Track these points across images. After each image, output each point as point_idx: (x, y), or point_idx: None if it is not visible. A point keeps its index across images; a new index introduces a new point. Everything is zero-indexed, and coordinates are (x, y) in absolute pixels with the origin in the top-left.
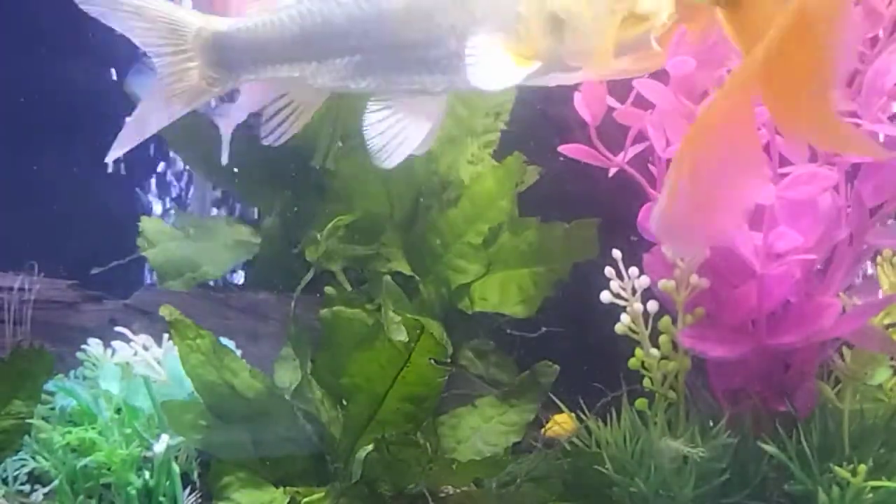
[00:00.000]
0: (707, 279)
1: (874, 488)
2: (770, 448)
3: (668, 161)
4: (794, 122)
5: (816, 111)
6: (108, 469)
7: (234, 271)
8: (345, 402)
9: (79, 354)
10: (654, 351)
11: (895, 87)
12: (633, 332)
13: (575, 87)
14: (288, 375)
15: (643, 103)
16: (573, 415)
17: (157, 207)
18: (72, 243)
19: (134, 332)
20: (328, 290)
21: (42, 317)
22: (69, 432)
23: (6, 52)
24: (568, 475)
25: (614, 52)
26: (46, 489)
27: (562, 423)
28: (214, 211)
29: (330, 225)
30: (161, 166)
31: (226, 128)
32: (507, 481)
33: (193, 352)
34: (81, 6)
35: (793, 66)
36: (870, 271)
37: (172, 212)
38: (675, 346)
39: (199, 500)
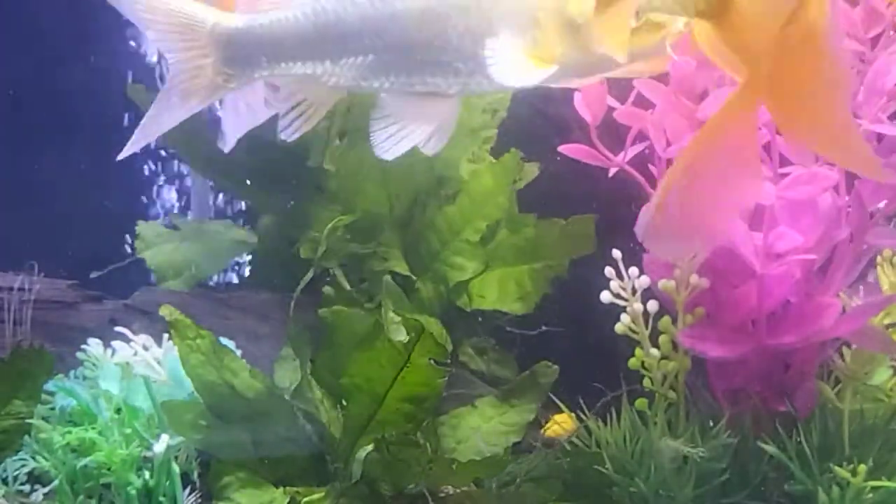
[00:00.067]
0: (707, 279)
1: (874, 488)
2: (770, 448)
3: (669, 161)
4: (801, 132)
5: (822, 120)
6: (108, 469)
7: (226, 271)
8: (345, 402)
9: (79, 354)
10: (654, 351)
11: (895, 87)
12: (633, 332)
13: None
14: (288, 375)
15: (643, 103)
16: (573, 415)
17: (158, 208)
18: (72, 243)
19: (134, 332)
20: (326, 290)
21: (42, 317)
22: (69, 432)
23: (6, 52)
24: (568, 475)
25: (630, 58)
26: (46, 489)
27: (562, 423)
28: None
29: (330, 225)
30: (161, 166)
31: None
32: (507, 481)
33: (193, 352)
34: None
35: (796, 76)
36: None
37: (170, 214)
38: (675, 346)
39: (199, 500)
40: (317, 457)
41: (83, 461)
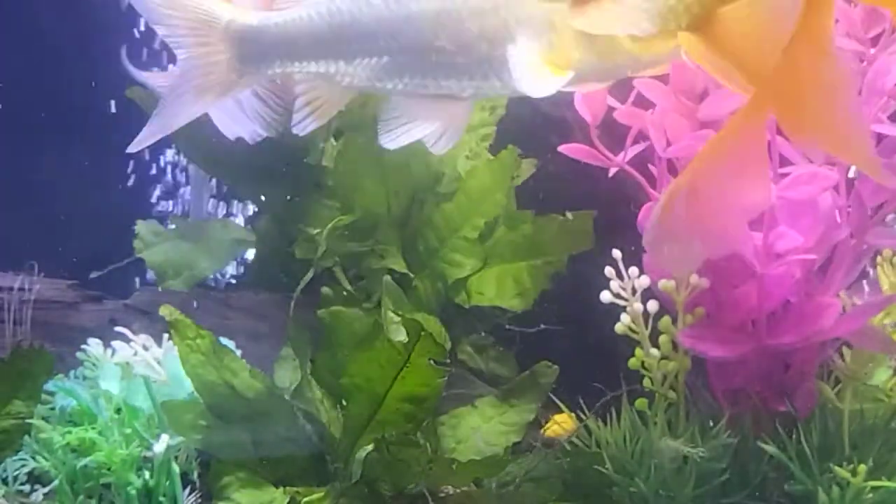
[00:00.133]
0: (707, 279)
1: (874, 488)
2: (770, 448)
3: (669, 161)
4: (809, 135)
5: (829, 122)
6: (108, 469)
7: (225, 271)
8: (345, 403)
9: (79, 354)
10: (654, 351)
11: (895, 87)
12: (633, 332)
13: None
14: (288, 375)
15: (643, 103)
16: (573, 415)
17: (158, 207)
18: (72, 243)
19: (134, 332)
20: (325, 289)
21: (42, 317)
22: (69, 432)
23: (5, 52)
24: (568, 475)
25: (646, 65)
26: (46, 489)
27: (561, 423)
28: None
29: (330, 225)
30: (162, 165)
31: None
32: (507, 481)
33: (193, 352)
34: None
35: (801, 82)
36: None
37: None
38: (675, 346)
39: (199, 500)
40: (317, 457)
41: (83, 461)
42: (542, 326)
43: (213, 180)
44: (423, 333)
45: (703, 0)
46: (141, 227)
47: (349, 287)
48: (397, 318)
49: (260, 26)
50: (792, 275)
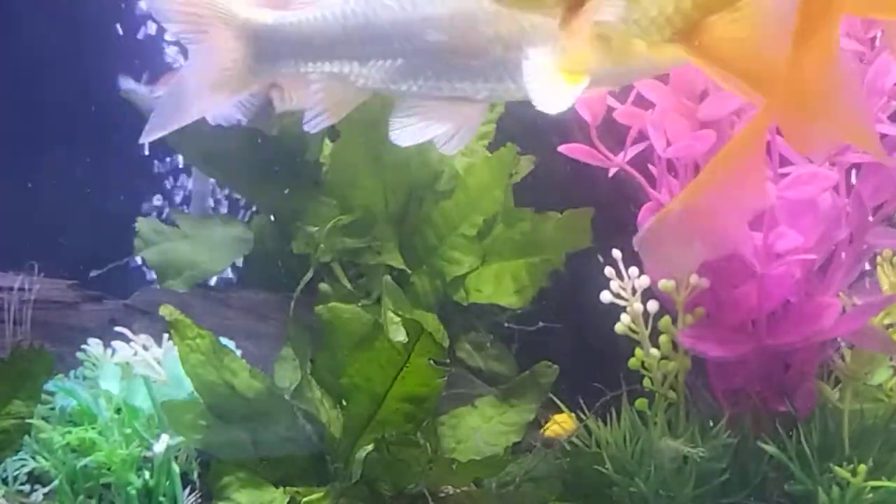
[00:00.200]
0: (707, 279)
1: (874, 488)
2: (770, 448)
3: (669, 161)
4: (814, 140)
5: (832, 108)
6: (108, 469)
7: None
8: (344, 403)
9: (79, 354)
10: (654, 351)
11: (895, 87)
12: (633, 332)
13: None
14: (288, 375)
15: (643, 103)
16: (573, 415)
17: (158, 206)
18: (72, 243)
19: (134, 332)
20: (323, 287)
21: (42, 317)
22: (69, 432)
23: (5, 53)
24: (568, 475)
25: (659, 69)
26: (46, 489)
27: (561, 423)
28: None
29: (331, 224)
30: (162, 165)
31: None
32: (507, 481)
33: (193, 352)
34: None
35: (807, 87)
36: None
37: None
38: (675, 346)
39: (199, 500)
40: (317, 457)
41: (83, 461)
42: (542, 324)
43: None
44: (423, 333)
45: (686, 11)
46: (142, 224)
47: (348, 284)
48: (397, 319)
49: (275, 25)
50: (792, 275)
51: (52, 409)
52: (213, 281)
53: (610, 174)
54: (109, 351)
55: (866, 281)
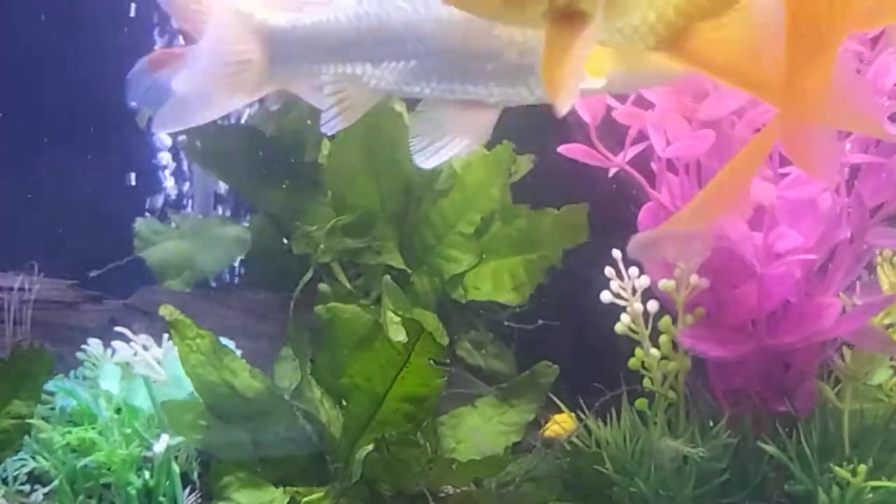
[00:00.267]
0: (707, 279)
1: (874, 488)
2: (770, 448)
3: (669, 161)
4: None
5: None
6: (108, 469)
7: (226, 270)
8: (344, 402)
9: (79, 354)
10: (654, 351)
11: (895, 87)
12: (633, 332)
13: None
14: (288, 375)
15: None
16: (573, 415)
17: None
18: (72, 243)
19: (134, 332)
20: (322, 287)
21: (42, 317)
22: (69, 432)
23: (5, 52)
24: (568, 475)
25: (673, 76)
26: (46, 489)
27: (561, 423)
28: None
29: (330, 223)
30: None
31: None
32: (507, 481)
33: (193, 352)
34: None
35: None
36: None
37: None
38: (675, 346)
39: (199, 500)
40: (317, 457)
41: (83, 461)
42: (541, 322)
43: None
44: (422, 333)
45: (669, 20)
46: (141, 224)
47: (347, 283)
48: (397, 318)
49: (289, 27)
50: (792, 275)
51: (52, 409)
52: (213, 281)
53: (610, 174)
54: (109, 351)
55: (856, 284)
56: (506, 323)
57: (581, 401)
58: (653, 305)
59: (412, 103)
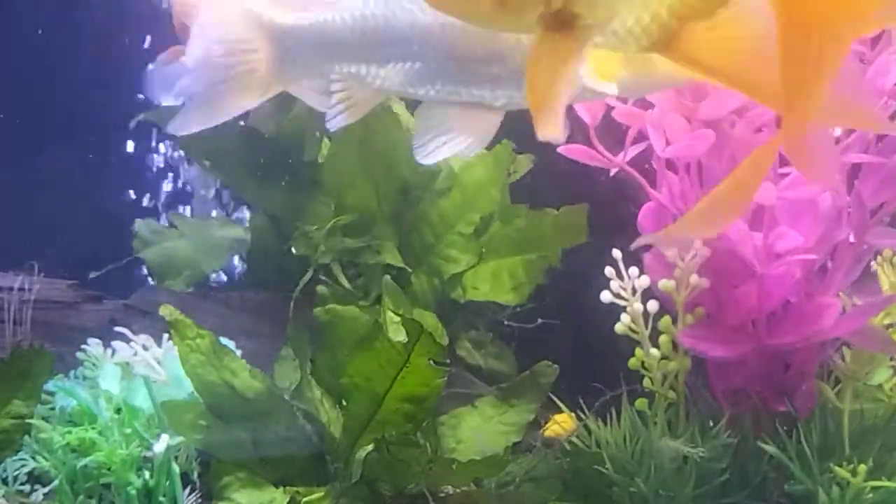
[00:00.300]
0: (707, 279)
1: (874, 488)
2: (770, 448)
3: (668, 161)
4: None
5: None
6: (108, 469)
7: (226, 270)
8: (344, 403)
9: (79, 354)
10: (654, 351)
11: (895, 87)
12: (633, 332)
13: None
14: (288, 375)
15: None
16: (573, 414)
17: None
18: (72, 243)
19: (134, 332)
20: (320, 289)
21: (42, 317)
22: (69, 432)
23: (5, 52)
24: (568, 475)
25: (681, 80)
26: (46, 489)
27: (561, 423)
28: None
29: (330, 224)
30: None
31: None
32: (507, 481)
33: (193, 352)
34: None
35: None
36: None
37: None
38: (675, 346)
39: (199, 500)
40: (317, 457)
41: (83, 461)
42: (540, 321)
43: (218, 182)
44: (422, 333)
45: (663, 21)
46: (140, 225)
47: (347, 284)
48: (397, 318)
49: (294, 27)
50: (792, 275)
51: (52, 409)
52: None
53: (611, 174)
54: (109, 351)
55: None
56: (505, 322)
57: (581, 401)
58: (653, 305)
59: (410, 103)
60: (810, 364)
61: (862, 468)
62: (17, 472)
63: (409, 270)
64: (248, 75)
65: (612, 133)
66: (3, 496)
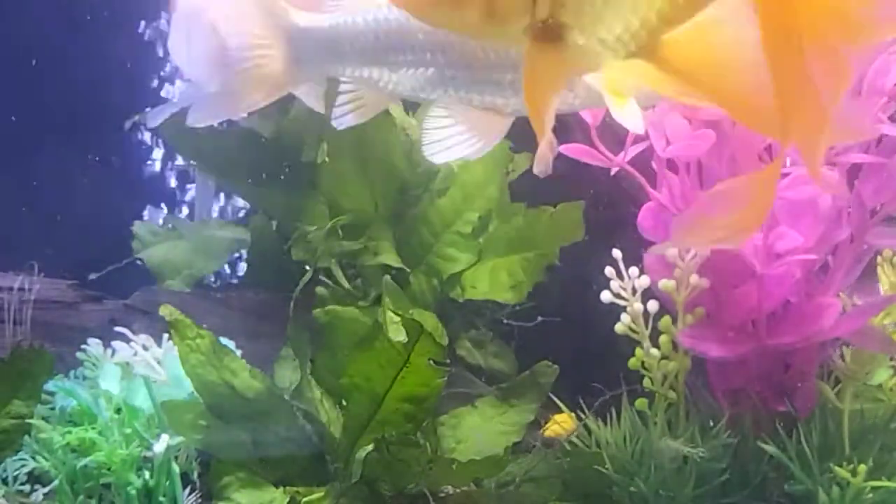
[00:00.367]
0: (707, 279)
1: (874, 488)
2: (770, 448)
3: (669, 161)
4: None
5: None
6: (108, 469)
7: (226, 270)
8: (344, 403)
9: (79, 354)
10: (654, 351)
11: (895, 87)
12: (633, 332)
13: None
14: (288, 375)
15: None
16: (573, 414)
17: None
18: (72, 243)
19: (134, 332)
20: (320, 290)
21: (42, 317)
22: (69, 432)
23: (6, 54)
24: (568, 475)
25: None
26: (46, 489)
27: (561, 423)
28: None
29: (329, 224)
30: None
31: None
32: (507, 481)
33: (193, 352)
34: None
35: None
36: None
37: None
38: (675, 346)
39: (199, 500)
40: (317, 457)
41: (83, 461)
42: (540, 319)
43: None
44: (422, 333)
45: (653, 26)
46: (139, 227)
47: (347, 284)
48: (397, 318)
49: (313, 28)
50: (792, 275)
51: (52, 409)
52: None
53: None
54: (109, 351)
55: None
56: (505, 321)
57: (581, 401)
58: (653, 305)
59: (408, 103)
60: (810, 364)
61: (862, 468)
62: (17, 472)
63: (408, 271)
64: (262, 72)
65: (613, 133)
66: (3, 496)
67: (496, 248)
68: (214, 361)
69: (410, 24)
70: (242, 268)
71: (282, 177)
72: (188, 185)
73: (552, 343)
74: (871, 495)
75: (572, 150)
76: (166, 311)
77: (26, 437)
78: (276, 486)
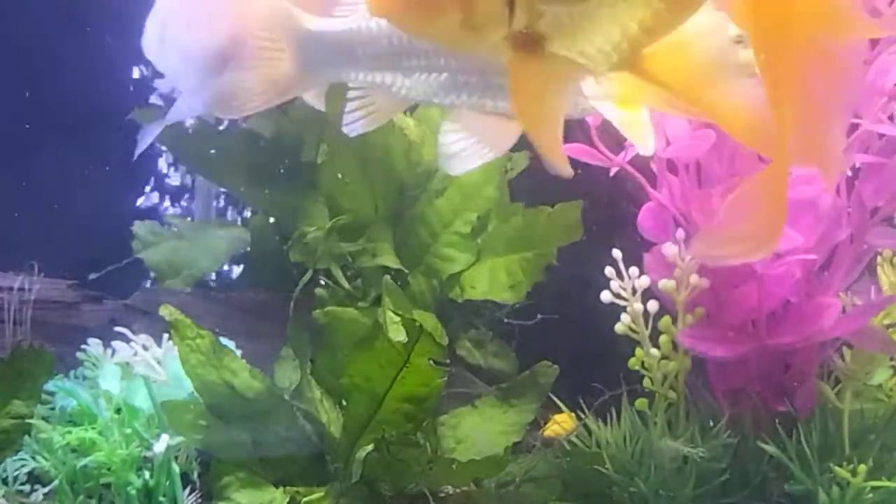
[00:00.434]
0: (707, 279)
1: (874, 488)
2: (770, 448)
3: (669, 161)
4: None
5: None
6: (108, 469)
7: (227, 270)
8: (344, 402)
9: (79, 354)
10: (654, 351)
11: (895, 87)
12: (633, 332)
13: None
14: (288, 375)
15: None
16: (573, 414)
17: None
18: (72, 243)
19: (134, 332)
20: (319, 291)
21: (42, 317)
22: (69, 432)
23: (7, 53)
24: (568, 475)
25: None
26: (46, 489)
27: (561, 423)
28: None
29: (329, 225)
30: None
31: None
32: (507, 481)
33: (193, 352)
34: None
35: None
36: None
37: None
38: (675, 346)
39: (199, 500)
40: (317, 457)
41: (83, 461)
42: (540, 317)
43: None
44: (422, 333)
45: (634, 37)
46: (139, 227)
47: (346, 285)
48: (397, 318)
49: (325, 32)
50: (792, 275)
51: (52, 409)
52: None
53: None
54: (109, 351)
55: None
56: (505, 320)
57: (581, 401)
58: (653, 305)
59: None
60: (810, 364)
61: (862, 468)
62: (17, 472)
63: (406, 271)
64: (272, 75)
65: (613, 133)
66: (3, 496)
67: (495, 248)
68: (214, 361)
69: None
70: (243, 268)
71: (282, 177)
72: (188, 185)
73: (552, 343)
74: (871, 495)
75: (572, 150)
76: (166, 311)
77: (26, 437)
78: (276, 486)
